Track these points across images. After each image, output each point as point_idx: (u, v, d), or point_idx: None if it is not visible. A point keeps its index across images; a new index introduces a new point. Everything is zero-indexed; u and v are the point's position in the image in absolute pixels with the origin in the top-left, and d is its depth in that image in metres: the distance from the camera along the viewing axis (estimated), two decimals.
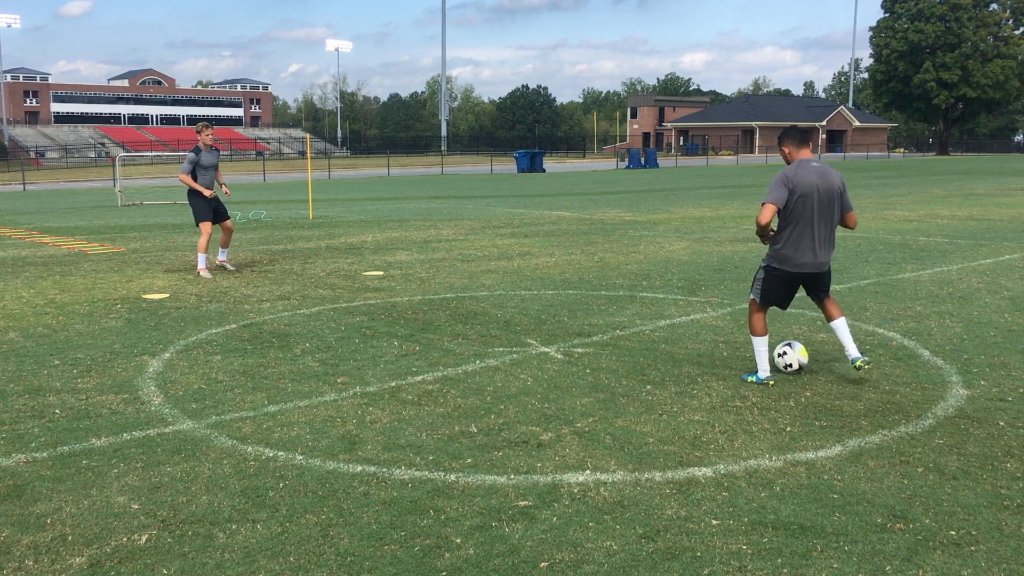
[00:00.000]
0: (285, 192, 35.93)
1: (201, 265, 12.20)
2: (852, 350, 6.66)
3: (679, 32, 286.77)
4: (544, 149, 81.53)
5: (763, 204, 6.47)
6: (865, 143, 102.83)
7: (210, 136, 12.31)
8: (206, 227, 12.24)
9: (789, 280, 6.66)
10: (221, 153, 12.47)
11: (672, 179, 44.68)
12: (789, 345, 6.99)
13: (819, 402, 6.25)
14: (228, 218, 12.63)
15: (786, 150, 6.64)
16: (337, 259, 13.95)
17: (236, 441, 5.53)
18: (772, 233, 6.64)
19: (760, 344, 6.74)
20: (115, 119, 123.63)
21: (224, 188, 12.94)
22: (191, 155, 12.27)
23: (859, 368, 6.58)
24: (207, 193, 12.22)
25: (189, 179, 12.21)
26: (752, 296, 6.83)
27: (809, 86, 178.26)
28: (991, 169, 53.05)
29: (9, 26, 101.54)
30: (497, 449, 5.36)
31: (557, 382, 6.78)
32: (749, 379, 6.71)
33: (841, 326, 6.72)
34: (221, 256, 12.75)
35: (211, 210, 12.32)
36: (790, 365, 6.92)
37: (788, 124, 8.13)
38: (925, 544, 4.11)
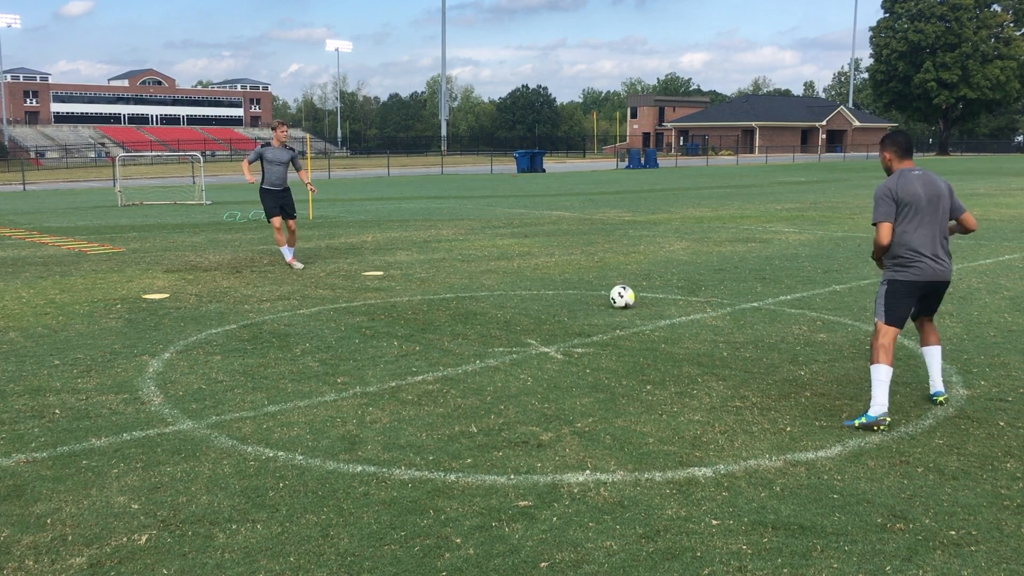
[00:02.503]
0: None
1: (288, 257, 12.91)
2: (938, 383, 6.29)
3: (678, 32, 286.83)
4: (544, 149, 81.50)
5: (876, 224, 5.97)
6: (865, 143, 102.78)
7: (285, 134, 12.87)
8: (275, 221, 12.82)
9: (912, 290, 6.05)
10: (295, 152, 12.89)
11: (672, 179, 44.68)
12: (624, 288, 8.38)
13: (819, 402, 6.25)
14: (294, 217, 13.03)
15: (887, 156, 6.18)
16: (337, 259, 13.95)
17: (236, 441, 5.53)
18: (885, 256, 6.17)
19: (880, 373, 5.87)
20: (115, 119, 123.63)
21: (309, 186, 13.64)
22: (258, 147, 12.93)
23: (940, 403, 6.23)
24: (250, 179, 12.93)
25: (245, 164, 12.96)
26: (877, 319, 6.10)
27: (809, 86, 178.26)
28: (991, 169, 53.05)
29: (9, 26, 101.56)
30: (497, 449, 5.36)
31: (557, 382, 6.78)
32: (856, 422, 5.77)
33: (935, 354, 6.30)
34: (289, 255, 13.09)
35: (278, 206, 12.79)
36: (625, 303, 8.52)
37: (892, 128, 7.14)
38: (925, 544, 4.11)
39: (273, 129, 12.93)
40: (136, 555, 4.06)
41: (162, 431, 5.74)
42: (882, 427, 5.69)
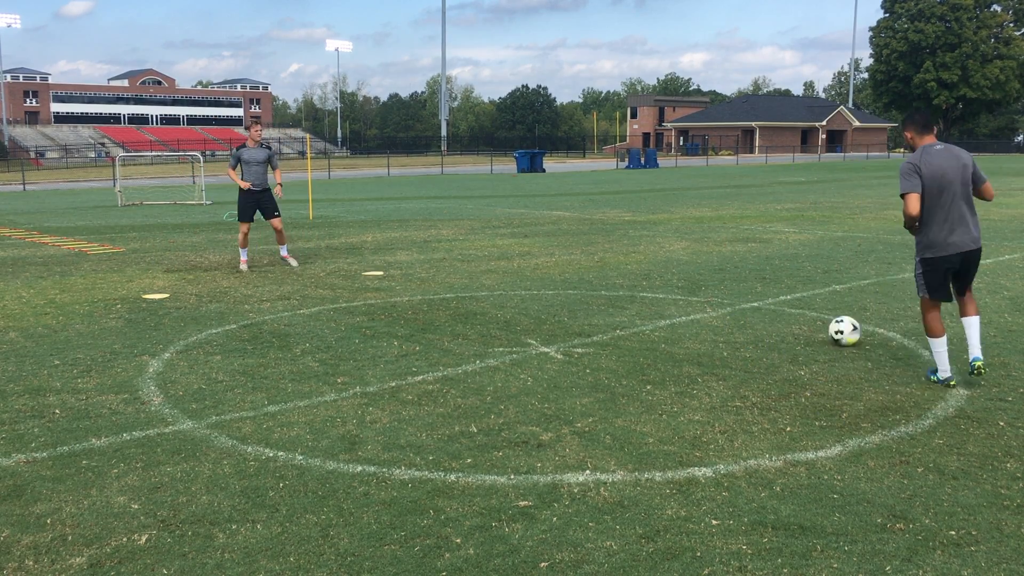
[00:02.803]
0: (285, 192, 35.92)
1: (243, 257, 12.89)
2: (976, 350, 6.61)
3: (678, 32, 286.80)
4: (544, 149, 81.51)
5: (904, 196, 6.40)
6: (865, 143, 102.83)
7: (259, 133, 12.83)
8: (244, 227, 12.85)
9: (946, 264, 6.53)
10: (272, 151, 12.84)
11: (672, 179, 44.68)
12: (847, 324, 7.81)
13: (819, 402, 6.25)
14: (277, 216, 13.01)
15: (909, 135, 6.62)
16: (337, 259, 13.95)
17: (236, 441, 5.53)
18: (917, 225, 6.59)
19: (939, 345, 6.56)
20: (115, 119, 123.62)
21: (278, 187, 13.23)
22: (234, 150, 12.85)
23: (978, 372, 6.53)
24: (244, 185, 12.75)
25: (233, 173, 12.89)
26: (921, 295, 6.69)
27: (809, 86, 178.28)
28: (991, 169, 53.03)
29: (9, 26, 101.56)
30: (497, 449, 5.36)
31: (557, 382, 6.78)
32: (932, 378, 6.67)
33: (974, 324, 6.66)
34: (283, 251, 13.27)
35: (253, 208, 12.80)
36: (841, 337, 7.77)
37: (913, 109, 8.41)
38: (925, 544, 4.11)
39: (247, 128, 12.93)
40: (136, 555, 4.06)
41: (162, 431, 5.74)
42: (952, 383, 6.50)
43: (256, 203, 12.82)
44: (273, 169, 13.03)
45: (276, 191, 13.10)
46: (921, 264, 6.61)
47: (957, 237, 6.45)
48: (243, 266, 12.79)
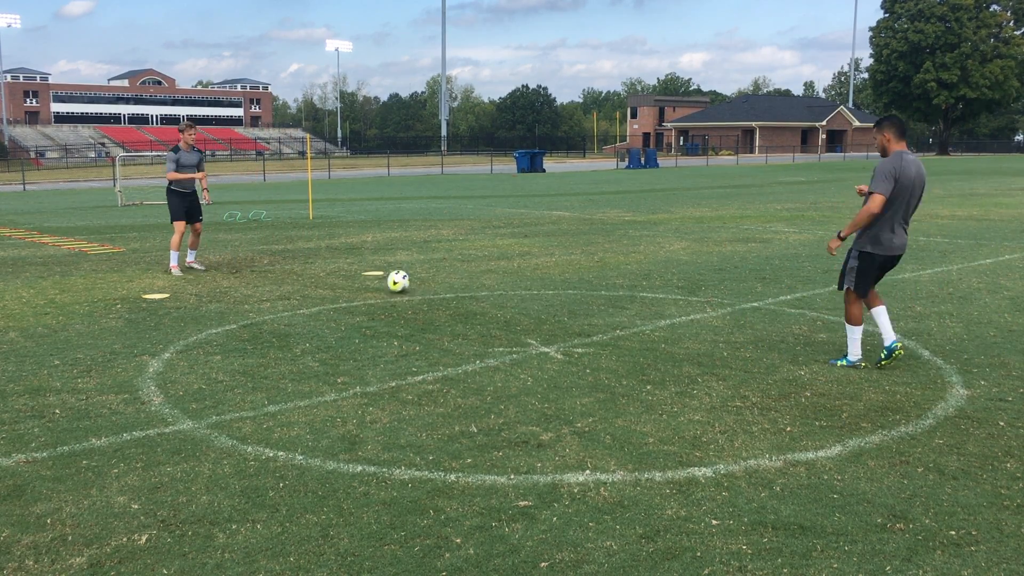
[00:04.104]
0: (285, 192, 35.94)
1: (173, 263, 12.49)
2: (891, 335, 7.02)
3: (677, 32, 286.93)
4: (544, 149, 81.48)
5: (873, 194, 6.68)
6: (865, 143, 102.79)
7: (192, 136, 12.52)
8: (179, 226, 12.53)
9: (883, 263, 6.96)
10: (205, 154, 12.71)
11: (672, 179, 44.68)
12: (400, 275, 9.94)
13: (819, 402, 6.25)
14: (200, 220, 12.85)
15: (886, 137, 6.79)
16: (337, 259, 13.95)
17: (236, 441, 5.53)
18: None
19: (855, 332, 7.08)
20: (115, 119, 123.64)
21: (205, 194, 12.96)
22: (171, 154, 12.49)
23: (898, 355, 6.96)
24: (178, 176, 12.35)
25: (177, 175, 12.45)
26: (847, 286, 7.06)
27: (809, 86, 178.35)
28: (991, 169, 53.05)
29: (9, 26, 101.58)
30: (497, 449, 5.36)
31: (557, 382, 6.78)
32: (839, 363, 7.11)
33: (884, 312, 7.12)
34: (190, 257, 12.91)
35: (184, 209, 12.57)
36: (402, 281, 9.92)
37: (891, 114, 8.74)
38: (925, 544, 4.11)
39: (182, 132, 12.54)
40: (136, 555, 4.06)
41: (162, 431, 5.74)
42: (862, 364, 7.05)
43: (188, 205, 12.59)
44: (199, 170, 12.67)
45: (204, 196, 12.91)
46: (859, 257, 6.93)
47: (899, 240, 6.90)
48: (175, 271, 12.38)
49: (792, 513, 4.45)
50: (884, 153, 6.80)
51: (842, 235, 6.96)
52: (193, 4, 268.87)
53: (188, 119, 13.17)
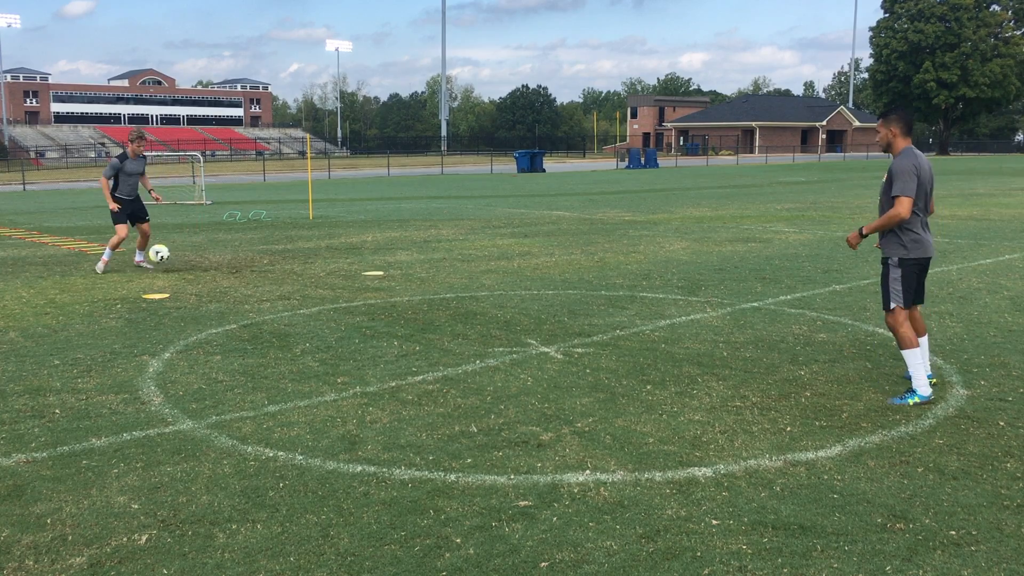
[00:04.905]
0: (285, 192, 35.94)
1: (105, 256, 12.66)
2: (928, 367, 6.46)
3: (677, 32, 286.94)
4: (544, 149, 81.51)
5: (899, 198, 6.04)
6: (865, 143, 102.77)
7: (141, 147, 12.61)
8: (121, 229, 12.64)
9: (923, 268, 6.28)
10: (146, 160, 12.82)
11: (672, 179, 44.68)
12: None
13: (819, 402, 6.25)
14: (147, 221, 12.96)
15: (893, 131, 6.19)
16: (337, 259, 13.94)
17: (236, 441, 5.53)
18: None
19: (915, 357, 6.15)
20: (115, 119, 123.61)
21: (153, 194, 13.22)
22: (115, 161, 12.63)
23: (934, 383, 6.44)
24: (113, 207, 12.60)
25: (106, 185, 12.63)
26: (894, 304, 6.22)
27: (809, 86, 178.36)
28: (991, 169, 53.06)
29: (9, 26, 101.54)
30: (497, 449, 5.36)
31: (557, 382, 6.78)
32: (910, 401, 6.12)
33: (926, 343, 6.51)
34: (138, 257, 13.04)
35: (126, 215, 12.71)
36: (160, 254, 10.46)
37: (901, 106, 7.32)
38: (925, 544, 4.11)
39: (131, 141, 12.58)
40: (136, 555, 4.06)
41: (162, 431, 5.74)
42: (932, 399, 6.14)
43: (132, 211, 12.77)
44: (142, 177, 12.86)
45: (154, 196, 13.24)
46: (901, 267, 6.20)
47: (930, 242, 6.29)
48: (100, 267, 12.60)
49: (792, 513, 4.45)
50: (888, 149, 6.24)
51: (864, 231, 6.26)
52: (193, 4, 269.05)
53: (139, 131, 13.04)
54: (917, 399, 6.10)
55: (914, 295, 6.30)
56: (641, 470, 5.01)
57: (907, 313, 6.27)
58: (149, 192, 13.25)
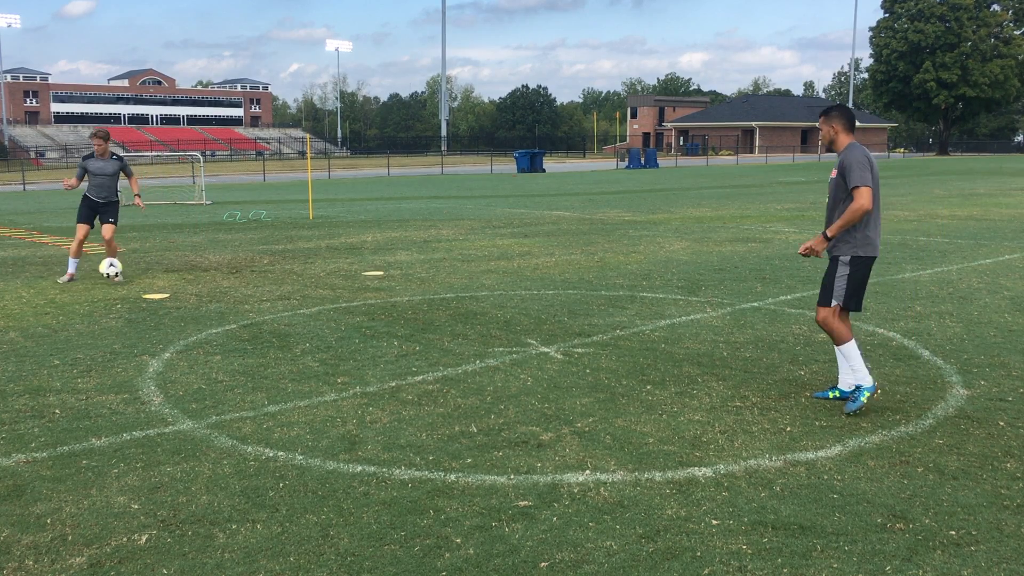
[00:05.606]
0: (285, 192, 35.93)
1: (70, 269, 11.91)
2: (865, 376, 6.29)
3: (677, 32, 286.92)
4: (544, 149, 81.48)
5: (858, 188, 5.80)
6: (865, 143, 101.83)
7: (99, 147, 11.83)
8: (81, 229, 11.95)
9: (871, 266, 6.08)
10: (123, 162, 12.26)
11: (672, 179, 44.68)
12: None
13: (819, 402, 6.25)
14: (111, 223, 12.06)
15: (835, 128, 6.07)
16: (337, 259, 13.94)
17: (236, 441, 5.53)
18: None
19: (852, 348, 6.00)
20: (115, 119, 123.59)
21: (137, 200, 12.45)
22: (80, 160, 12.01)
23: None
24: (66, 186, 12.06)
25: (73, 183, 12.03)
26: (835, 302, 6.04)
27: (809, 86, 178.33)
28: (991, 169, 53.05)
29: (9, 26, 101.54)
30: (497, 449, 5.36)
31: (557, 382, 6.78)
32: (862, 398, 5.90)
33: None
34: (107, 268, 11.97)
35: (92, 214, 12.04)
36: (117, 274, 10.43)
37: (839, 104, 6.78)
38: (925, 544, 4.11)
39: (92, 138, 11.94)
40: (136, 555, 4.06)
41: (162, 431, 5.74)
42: (877, 393, 6.01)
43: (95, 210, 12.06)
44: (129, 177, 12.24)
45: (136, 202, 12.40)
46: (850, 265, 5.99)
47: (878, 239, 6.09)
48: (66, 278, 11.77)
49: (792, 513, 4.45)
50: (832, 146, 6.08)
51: (830, 234, 5.96)
52: (193, 4, 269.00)
53: (103, 130, 12.17)
54: (867, 394, 5.90)
55: (855, 302, 6.09)
56: (641, 470, 5.01)
57: (843, 312, 6.10)
58: (135, 197, 12.46)
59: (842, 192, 5.99)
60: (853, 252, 6.00)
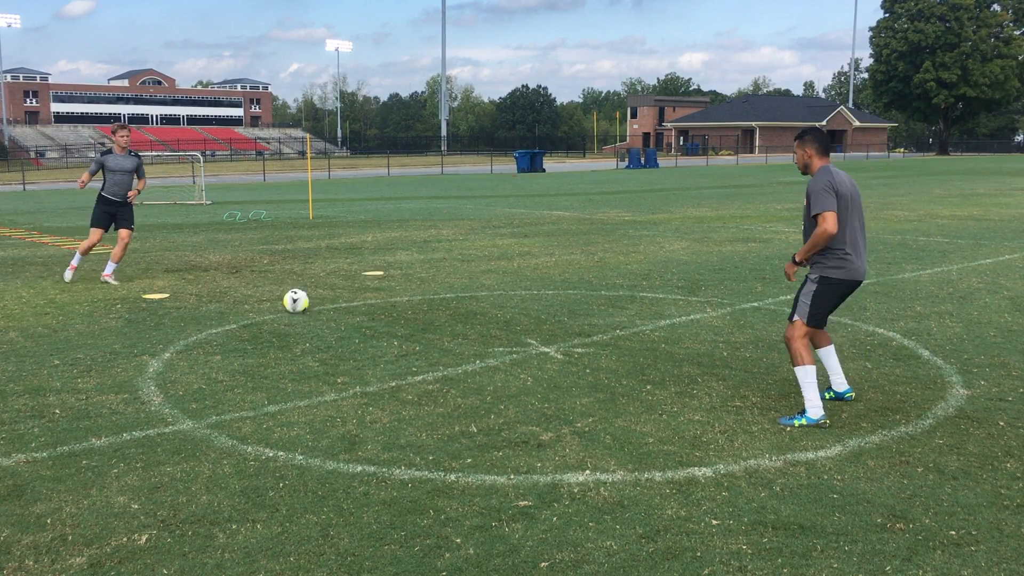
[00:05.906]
0: (285, 192, 35.93)
1: (73, 263, 11.82)
2: (843, 380, 6.35)
3: (677, 32, 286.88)
4: (544, 149, 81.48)
5: (822, 214, 5.77)
6: (865, 143, 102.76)
7: (124, 139, 11.54)
8: (95, 233, 11.67)
9: (844, 291, 6.03)
10: (140, 160, 11.83)
11: (672, 179, 44.68)
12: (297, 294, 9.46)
13: None
14: (129, 229, 11.71)
15: (808, 152, 6.05)
16: (337, 259, 13.94)
17: (236, 441, 5.53)
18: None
19: (809, 375, 5.86)
20: (115, 119, 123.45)
21: (131, 193, 11.75)
22: (98, 156, 11.68)
23: (851, 399, 6.29)
24: (81, 183, 11.64)
25: (85, 179, 11.55)
26: (798, 318, 6.00)
27: (809, 86, 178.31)
28: (991, 169, 53.05)
29: (9, 26, 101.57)
30: (497, 449, 5.36)
31: (557, 382, 6.78)
32: (795, 423, 5.78)
33: (833, 352, 6.38)
34: (108, 270, 11.74)
35: (108, 216, 11.67)
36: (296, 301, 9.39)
37: (809, 125, 6.59)
38: (925, 544, 4.11)
39: (113, 133, 11.62)
40: (136, 555, 4.06)
41: (162, 431, 5.74)
42: (826, 423, 5.76)
43: (113, 215, 11.64)
44: (139, 178, 11.77)
45: (131, 195, 11.73)
46: (820, 283, 5.95)
47: (861, 263, 5.99)
48: (69, 273, 11.65)
49: (792, 513, 4.45)
50: (806, 170, 6.06)
51: (797, 259, 5.98)
52: (193, 4, 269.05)
53: (121, 122, 11.77)
54: (804, 421, 5.76)
55: (821, 319, 6.05)
56: (641, 470, 5.01)
57: (807, 330, 6.02)
58: (132, 191, 11.82)
59: (810, 219, 5.97)
60: (822, 272, 5.96)
